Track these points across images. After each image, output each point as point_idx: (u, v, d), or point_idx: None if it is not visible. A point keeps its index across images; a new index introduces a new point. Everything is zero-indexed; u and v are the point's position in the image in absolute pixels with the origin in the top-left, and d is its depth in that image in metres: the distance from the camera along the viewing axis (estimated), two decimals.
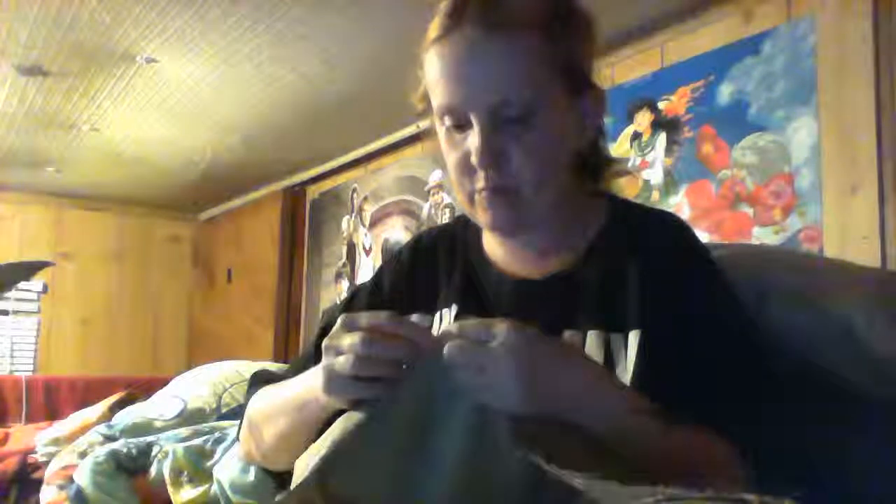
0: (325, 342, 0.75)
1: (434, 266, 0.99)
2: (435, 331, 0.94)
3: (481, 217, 0.87)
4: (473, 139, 0.82)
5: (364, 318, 0.74)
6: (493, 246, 0.96)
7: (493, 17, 0.81)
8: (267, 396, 0.94)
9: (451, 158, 0.86)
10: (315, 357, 0.88)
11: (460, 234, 1.00)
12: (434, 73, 0.84)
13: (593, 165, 0.95)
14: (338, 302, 3.61)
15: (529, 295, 0.90)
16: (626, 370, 0.81)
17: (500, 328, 0.69)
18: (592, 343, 0.84)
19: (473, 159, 0.82)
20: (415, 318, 0.96)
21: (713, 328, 0.83)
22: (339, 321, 0.75)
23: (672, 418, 0.74)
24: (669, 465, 0.67)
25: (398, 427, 0.69)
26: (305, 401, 0.83)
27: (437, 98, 0.84)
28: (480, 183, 0.83)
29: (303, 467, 0.76)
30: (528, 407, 0.67)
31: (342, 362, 0.72)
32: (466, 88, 0.82)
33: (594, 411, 0.71)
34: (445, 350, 0.68)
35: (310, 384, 0.81)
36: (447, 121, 0.85)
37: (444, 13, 0.84)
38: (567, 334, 0.85)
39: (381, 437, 0.69)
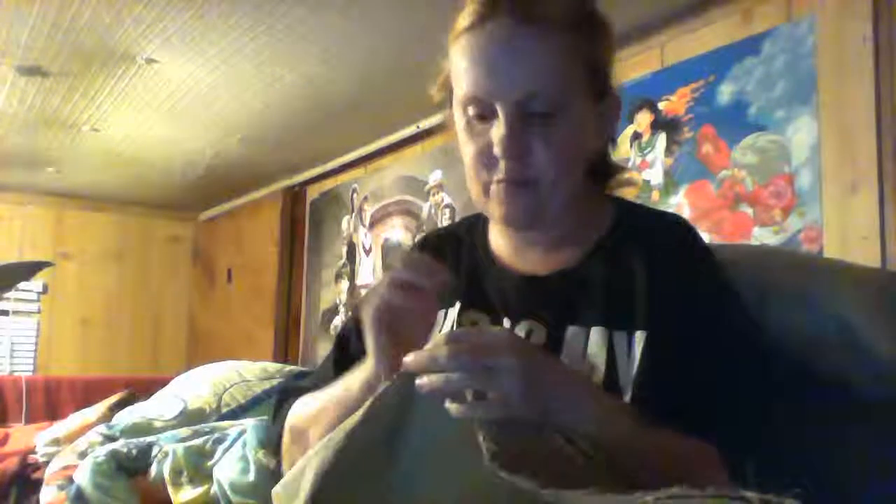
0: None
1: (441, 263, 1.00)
2: (439, 327, 0.94)
3: (495, 209, 0.86)
4: (498, 130, 0.82)
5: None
6: (498, 243, 0.96)
7: (527, 9, 0.80)
8: (312, 402, 0.92)
9: (470, 148, 0.85)
10: (343, 358, 0.91)
11: (465, 234, 1.01)
12: (463, 61, 0.84)
13: (603, 169, 0.95)
14: (340, 303, 3.62)
15: (534, 290, 0.91)
16: (630, 369, 0.81)
17: (497, 329, 0.69)
18: (595, 340, 0.84)
19: (496, 150, 0.82)
20: None
21: (718, 332, 0.83)
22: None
23: (659, 423, 0.74)
24: (658, 469, 0.67)
25: (379, 445, 0.68)
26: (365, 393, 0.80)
27: (464, 87, 0.84)
28: (500, 174, 0.83)
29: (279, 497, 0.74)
30: (529, 406, 0.67)
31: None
32: (495, 79, 0.81)
33: (583, 414, 0.72)
34: (449, 352, 0.68)
35: (368, 379, 0.81)
36: (470, 110, 0.84)
37: (477, 2, 0.84)
38: (570, 330, 0.85)
39: (363, 456, 0.68)
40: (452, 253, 1.00)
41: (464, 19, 0.85)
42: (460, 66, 0.84)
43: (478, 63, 0.82)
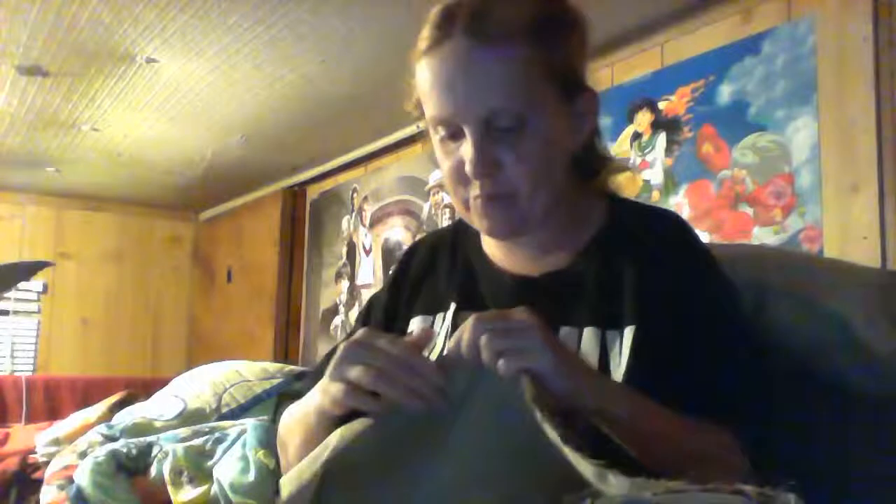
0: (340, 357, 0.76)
1: (434, 268, 1.00)
2: (437, 331, 0.95)
3: (477, 223, 0.88)
4: (467, 149, 0.83)
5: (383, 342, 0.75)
6: (491, 245, 0.97)
7: (481, 28, 0.81)
8: (290, 413, 0.94)
9: (446, 166, 0.87)
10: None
11: (458, 236, 1.01)
12: (425, 84, 0.85)
13: (591, 166, 0.95)
14: (335, 304, 3.62)
15: (527, 292, 0.91)
16: (620, 366, 0.81)
17: (519, 311, 0.72)
18: (588, 340, 0.84)
19: (467, 169, 0.83)
20: (417, 321, 0.97)
21: (710, 327, 0.83)
22: (358, 338, 0.76)
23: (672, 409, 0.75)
24: (684, 454, 0.68)
25: (405, 429, 0.70)
26: (319, 412, 0.83)
27: (430, 109, 0.85)
28: (475, 191, 0.84)
29: (290, 483, 0.75)
30: (560, 373, 0.69)
31: (362, 376, 0.73)
32: (457, 100, 0.82)
33: (610, 393, 0.74)
34: (475, 319, 0.70)
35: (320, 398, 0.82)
36: (440, 130, 0.85)
37: (433, 24, 0.85)
38: (563, 331, 0.86)
39: (384, 441, 0.69)
40: (447, 254, 1.00)
41: (422, 41, 0.85)
42: (424, 89, 0.85)
43: (439, 86, 0.83)
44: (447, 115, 0.83)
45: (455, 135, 0.84)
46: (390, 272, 1.09)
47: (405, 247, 3.13)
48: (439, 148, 0.88)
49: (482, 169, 0.82)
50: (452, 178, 0.86)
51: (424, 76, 0.85)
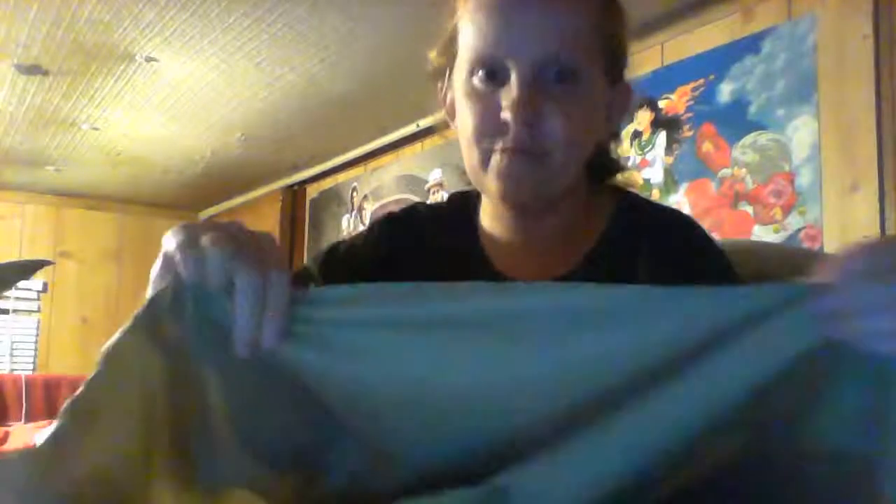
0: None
1: (416, 249, 0.90)
2: None
3: (493, 182, 0.78)
4: (510, 92, 0.74)
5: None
6: (494, 244, 0.91)
7: None
8: None
9: (474, 113, 0.77)
10: None
11: (455, 223, 0.92)
12: (478, 17, 0.77)
13: (605, 164, 0.92)
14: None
15: None
16: None
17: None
18: None
19: (506, 114, 0.74)
20: None
21: None
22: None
23: None
24: None
25: None
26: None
27: (475, 44, 0.77)
28: (507, 143, 0.75)
29: None
30: None
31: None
32: (516, 36, 0.75)
33: None
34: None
35: None
36: (479, 71, 0.77)
37: None
38: None
39: None
40: (435, 240, 0.90)
41: None
42: (475, 23, 0.77)
43: (496, 18, 0.75)
44: (497, 52, 0.75)
45: (495, 76, 0.76)
46: (361, 230, 0.93)
47: None
48: (467, 94, 0.78)
49: (525, 116, 0.73)
50: (480, 126, 0.76)
51: (479, 8, 0.77)
